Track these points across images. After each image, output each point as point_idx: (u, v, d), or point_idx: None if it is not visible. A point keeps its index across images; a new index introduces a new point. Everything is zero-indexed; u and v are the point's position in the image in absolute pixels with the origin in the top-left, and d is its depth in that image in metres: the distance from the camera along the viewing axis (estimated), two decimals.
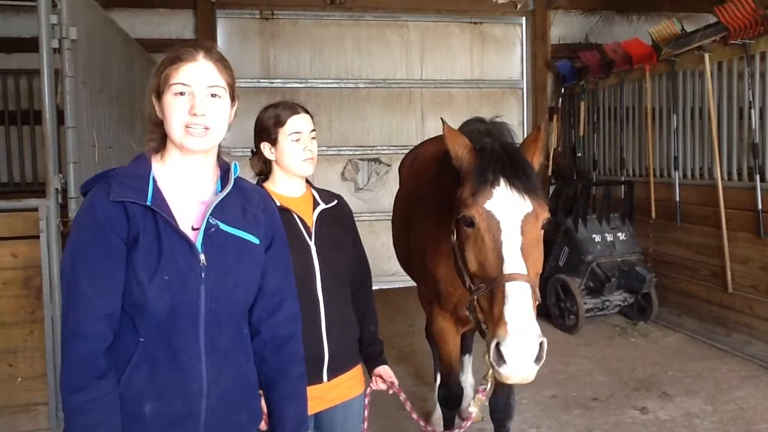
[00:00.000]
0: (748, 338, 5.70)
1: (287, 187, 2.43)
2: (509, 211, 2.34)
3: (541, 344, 2.11)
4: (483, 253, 2.34)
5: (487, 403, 2.68)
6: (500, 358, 2.11)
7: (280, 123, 2.37)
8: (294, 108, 2.39)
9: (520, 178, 2.39)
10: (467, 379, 4.59)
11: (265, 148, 2.40)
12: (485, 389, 2.48)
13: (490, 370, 2.28)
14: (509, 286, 2.19)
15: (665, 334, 6.37)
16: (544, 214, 2.40)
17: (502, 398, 3.35)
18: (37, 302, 3.92)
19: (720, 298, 6.03)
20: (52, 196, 3.88)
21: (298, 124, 2.37)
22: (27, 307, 3.93)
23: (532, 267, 2.29)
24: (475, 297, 2.37)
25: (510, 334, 2.09)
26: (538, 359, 2.11)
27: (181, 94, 1.73)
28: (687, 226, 6.46)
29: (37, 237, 3.87)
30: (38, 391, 3.97)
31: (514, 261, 2.26)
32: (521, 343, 2.08)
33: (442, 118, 2.69)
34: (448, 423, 3.61)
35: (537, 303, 2.25)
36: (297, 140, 2.36)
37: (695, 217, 6.34)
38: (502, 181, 2.38)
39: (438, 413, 4.07)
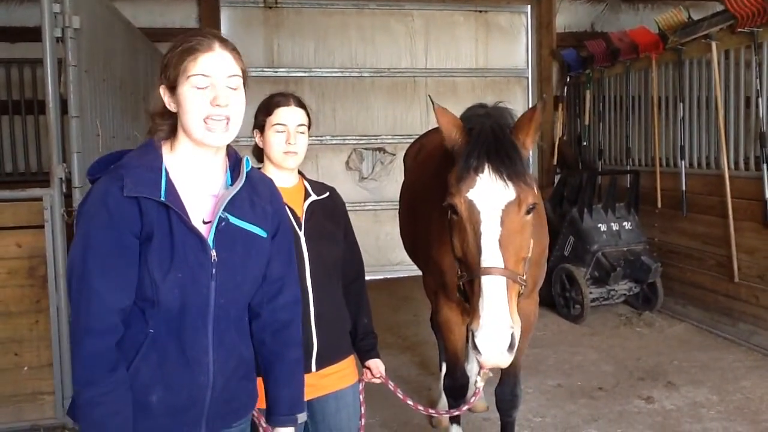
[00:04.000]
0: (754, 328, 5.69)
1: (277, 177, 2.39)
2: (490, 201, 2.36)
3: (512, 334, 2.24)
4: (465, 242, 2.41)
5: (482, 382, 2.69)
6: (475, 347, 2.26)
7: (268, 112, 2.37)
8: (286, 99, 2.38)
9: (505, 163, 2.39)
10: (473, 369, 4.57)
11: (256, 135, 2.42)
12: None
13: None
14: (485, 280, 2.28)
15: (671, 323, 6.35)
16: (528, 200, 2.40)
17: (507, 388, 3.36)
18: (42, 292, 3.93)
19: (726, 288, 6.01)
20: (56, 186, 3.89)
21: (283, 116, 2.35)
22: (32, 297, 3.95)
23: (512, 257, 2.35)
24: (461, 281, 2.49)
25: (482, 328, 2.23)
26: (510, 347, 2.24)
27: (202, 85, 1.68)
28: (693, 216, 6.43)
29: (42, 227, 3.88)
30: (44, 380, 3.99)
31: (491, 254, 2.31)
32: (492, 336, 2.22)
33: (429, 96, 2.68)
34: None
35: (522, 288, 2.38)
36: (280, 132, 2.35)
37: (701, 206, 6.31)
38: (486, 168, 2.39)
39: (443, 403, 4.07)
